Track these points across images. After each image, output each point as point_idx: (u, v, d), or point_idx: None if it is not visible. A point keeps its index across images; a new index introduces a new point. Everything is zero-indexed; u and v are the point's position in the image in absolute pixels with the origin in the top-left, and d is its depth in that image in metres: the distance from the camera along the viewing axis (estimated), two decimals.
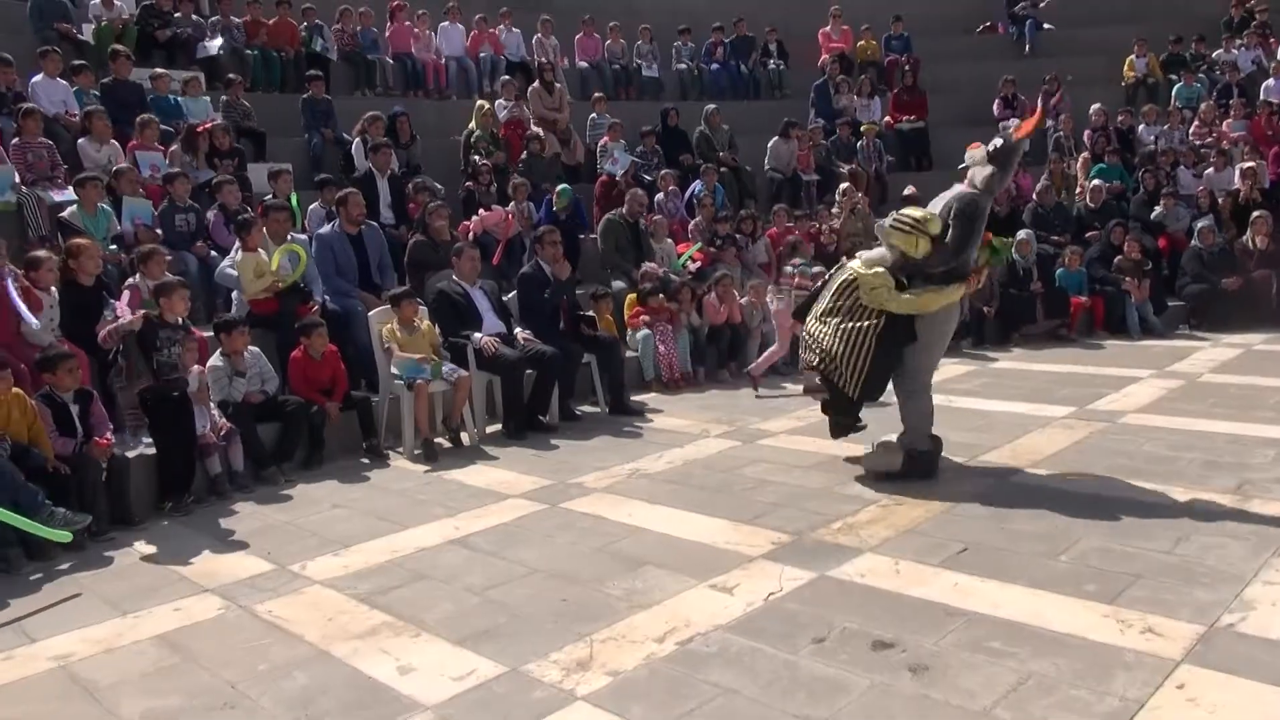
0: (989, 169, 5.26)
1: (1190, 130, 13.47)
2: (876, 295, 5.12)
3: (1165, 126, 13.49)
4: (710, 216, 10.19)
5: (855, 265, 5.32)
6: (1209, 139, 13.17)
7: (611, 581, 4.06)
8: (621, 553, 4.42)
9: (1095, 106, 13.56)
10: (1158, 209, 11.65)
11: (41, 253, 6.13)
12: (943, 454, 5.51)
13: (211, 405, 5.83)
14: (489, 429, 6.99)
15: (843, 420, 5.54)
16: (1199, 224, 10.95)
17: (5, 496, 4.51)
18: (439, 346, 6.85)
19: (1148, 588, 3.72)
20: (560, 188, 10.15)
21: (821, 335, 5.28)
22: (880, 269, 5.19)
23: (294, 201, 8.51)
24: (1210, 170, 12.29)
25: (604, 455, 6.20)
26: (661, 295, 8.43)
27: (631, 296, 8.62)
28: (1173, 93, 14.47)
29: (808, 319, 5.46)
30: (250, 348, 6.24)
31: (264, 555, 4.62)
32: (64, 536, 4.56)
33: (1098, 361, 8.92)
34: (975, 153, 5.36)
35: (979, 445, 5.93)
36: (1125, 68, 15.16)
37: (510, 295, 7.72)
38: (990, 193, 5.31)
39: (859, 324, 5.15)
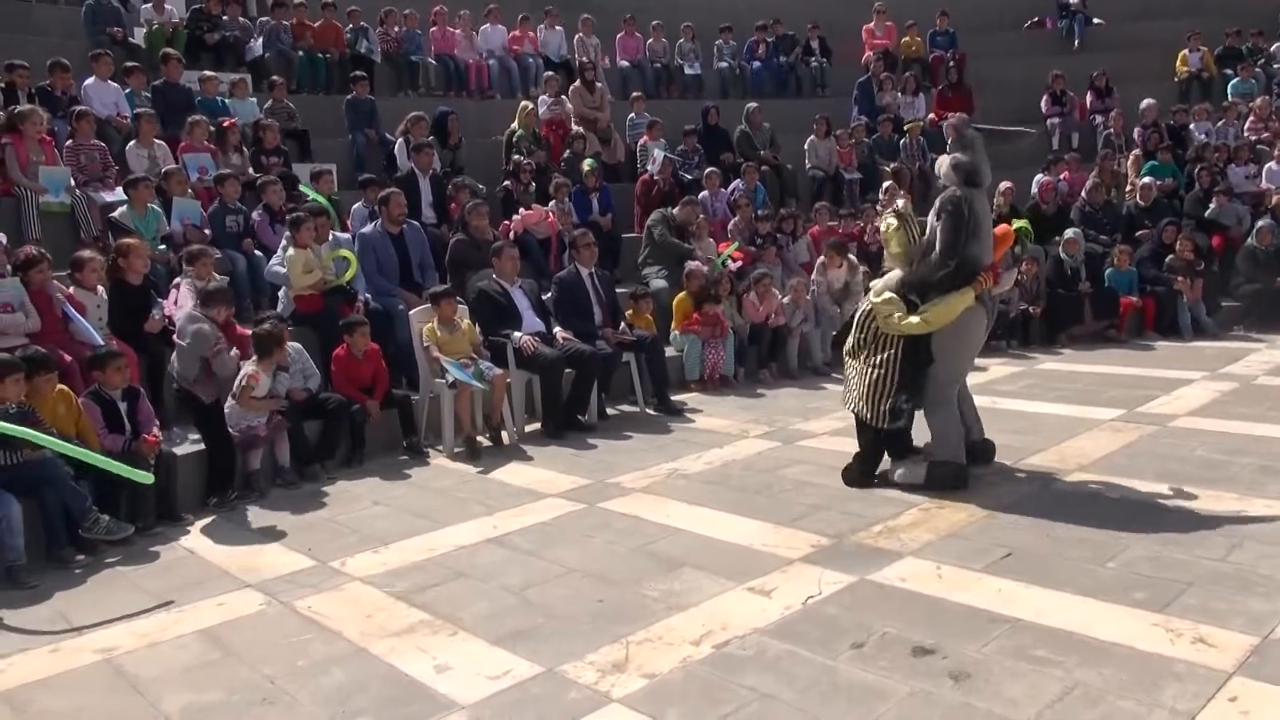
0: (947, 158, 5.13)
1: (1245, 126, 13.13)
2: (890, 323, 5.02)
3: (1220, 122, 13.16)
4: (748, 217, 10.15)
5: (870, 296, 5.24)
6: (1264, 134, 12.83)
7: (648, 583, 4.04)
8: (659, 554, 4.40)
9: (1147, 102, 13.26)
10: (1211, 206, 11.36)
11: (86, 253, 6.29)
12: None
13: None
14: (528, 428, 7.01)
15: (865, 464, 5.30)
16: (1259, 223, 10.66)
17: (55, 499, 4.61)
18: (479, 345, 6.89)
19: (1199, 596, 3.62)
20: (586, 160, 10.52)
21: (852, 373, 5.27)
22: (889, 294, 5.07)
23: (320, 198, 8.61)
24: (1271, 165, 11.96)
25: (642, 455, 6.18)
26: (720, 304, 8.39)
27: (683, 297, 8.57)
28: (1228, 87, 14.12)
29: (845, 359, 5.40)
30: (293, 344, 6.31)
31: (305, 551, 4.67)
32: (146, 477, 4.72)
33: (1148, 363, 8.72)
34: (941, 165, 5.27)
35: (1024, 448, 5.82)
36: (1178, 62, 14.82)
37: (549, 296, 7.74)
38: (960, 178, 5.02)
39: (882, 355, 5.08)
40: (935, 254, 5.00)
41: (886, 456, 5.33)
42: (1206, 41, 14.84)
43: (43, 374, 4.98)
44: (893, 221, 5.16)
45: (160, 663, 3.54)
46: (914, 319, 4.96)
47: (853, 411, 5.27)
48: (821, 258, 9.30)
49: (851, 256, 9.34)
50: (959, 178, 5.03)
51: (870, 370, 5.11)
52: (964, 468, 5.10)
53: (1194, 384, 7.60)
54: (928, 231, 5.13)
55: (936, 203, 5.10)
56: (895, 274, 5.17)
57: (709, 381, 8.14)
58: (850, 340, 5.30)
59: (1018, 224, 5.29)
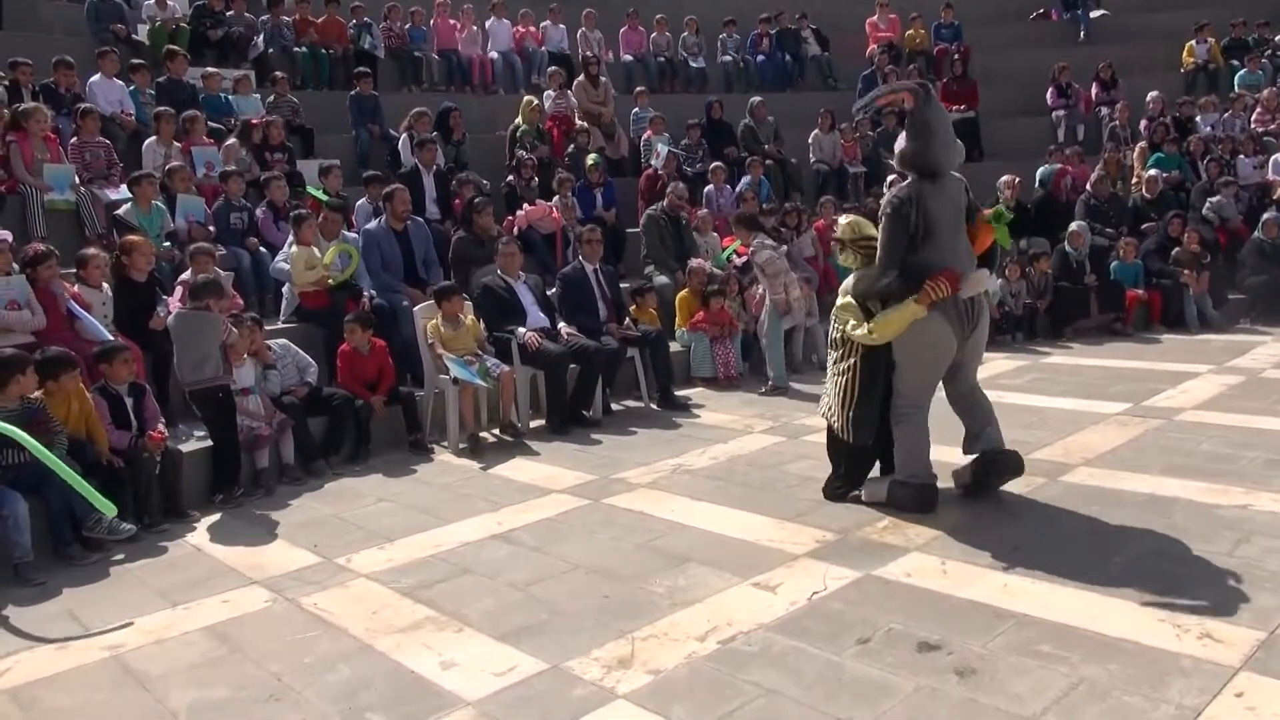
0: (903, 144, 4.64)
1: (1252, 118, 13.07)
2: (847, 330, 4.69)
3: (1227, 114, 13.10)
4: (754, 211, 10.10)
5: (839, 296, 4.86)
6: (1271, 126, 12.77)
7: (653, 578, 4.04)
8: (664, 549, 4.40)
9: (1153, 94, 13.22)
10: (1219, 199, 11.26)
11: (91, 250, 6.30)
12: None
13: (254, 398, 5.88)
14: (533, 424, 7.01)
15: (840, 481, 4.94)
16: (1265, 216, 10.61)
17: (59, 497, 4.62)
18: (484, 341, 6.89)
19: (1205, 591, 3.61)
20: (590, 155, 10.49)
21: (828, 372, 4.95)
22: (848, 298, 4.73)
23: (321, 195, 8.66)
24: (1278, 156, 11.89)
25: (647, 451, 6.18)
26: (725, 299, 8.36)
27: (685, 294, 8.54)
28: (1235, 79, 14.06)
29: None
30: (277, 340, 6.32)
31: (310, 548, 4.68)
32: (109, 508, 4.47)
33: (1154, 356, 8.69)
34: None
35: (1030, 442, 5.80)
36: (1185, 53, 14.75)
37: (553, 292, 7.74)
38: (911, 165, 4.58)
39: (846, 362, 4.72)
40: (877, 262, 4.65)
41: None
42: (1213, 33, 14.77)
43: (66, 371, 5.00)
44: (836, 244, 4.90)
45: (167, 660, 3.55)
46: (861, 331, 4.61)
47: (823, 416, 4.97)
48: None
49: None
50: (909, 170, 4.61)
51: (837, 376, 4.79)
52: (929, 488, 4.68)
53: (1200, 377, 7.57)
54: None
55: (883, 201, 4.72)
56: (854, 276, 4.83)
57: (723, 380, 8.08)
58: (829, 335, 4.97)
59: (997, 214, 4.78)
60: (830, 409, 4.86)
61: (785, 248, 9.01)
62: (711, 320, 8.21)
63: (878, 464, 4.96)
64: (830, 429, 4.91)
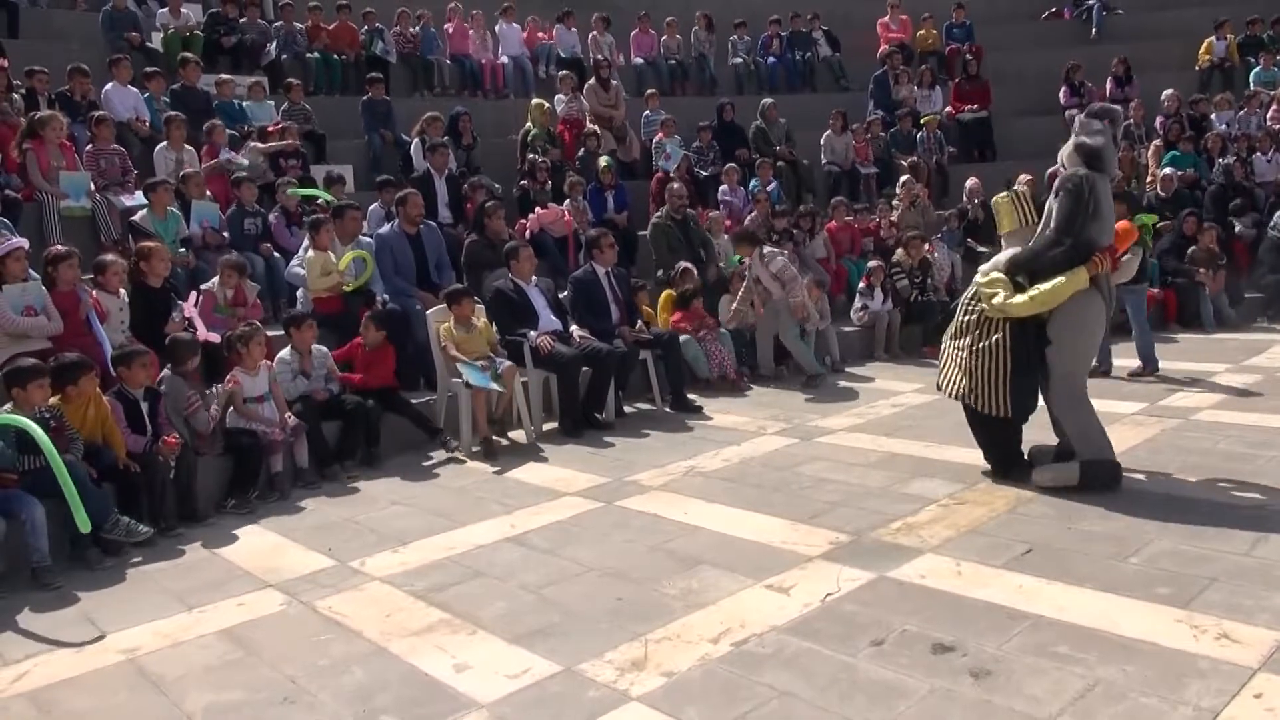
0: (1070, 142, 5.04)
1: (1268, 115, 12.98)
2: (994, 304, 4.84)
3: (1243, 111, 13.02)
4: (766, 213, 10.11)
5: (977, 277, 5.06)
6: None
7: (667, 581, 4.04)
8: (677, 552, 4.39)
9: (1168, 92, 13.15)
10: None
11: (109, 257, 6.34)
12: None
13: (267, 405, 5.90)
14: (545, 427, 7.02)
15: (1003, 454, 5.15)
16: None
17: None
18: (496, 344, 6.90)
19: (1223, 591, 3.58)
20: (603, 158, 10.50)
21: (958, 360, 5.04)
22: (995, 274, 4.92)
23: (306, 191, 8.82)
24: None
25: (660, 453, 6.18)
26: (700, 300, 8.37)
27: (667, 294, 8.53)
28: (1250, 76, 13.96)
29: (944, 341, 5.21)
30: (317, 346, 6.35)
31: (325, 551, 4.69)
32: (84, 525, 4.42)
33: (1170, 356, 8.61)
34: (1063, 150, 5.11)
35: (1045, 442, 5.76)
36: (1202, 50, 14.67)
37: (565, 294, 7.75)
38: (1082, 159, 4.90)
39: (989, 340, 4.87)
40: (1050, 231, 4.87)
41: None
42: (1231, 30, 14.68)
43: (84, 374, 5.04)
44: (1003, 196, 5.20)
45: (183, 662, 3.57)
46: (1020, 299, 4.78)
47: (953, 398, 5.12)
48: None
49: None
50: (1081, 159, 4.90)
51: (973, 356, 4.93)
52: (1117, 465, 4.90)
53: (1217, 376, 7.52)
54: (1045, 211, 5.01)
55: (1057, 182, 4.99)
56: (1006, 253, 5.04)
57: (729, 381, 8.06)
58: (953, 323, 5.11)
59: (1142, 220, 5.13)
60: (972, 390, 4.98)
61: (790, 250, 9.08)
62: (688, 319, 8.20)
63: (1054, 450, 5.13)
64: (971, 410, 5.08)
